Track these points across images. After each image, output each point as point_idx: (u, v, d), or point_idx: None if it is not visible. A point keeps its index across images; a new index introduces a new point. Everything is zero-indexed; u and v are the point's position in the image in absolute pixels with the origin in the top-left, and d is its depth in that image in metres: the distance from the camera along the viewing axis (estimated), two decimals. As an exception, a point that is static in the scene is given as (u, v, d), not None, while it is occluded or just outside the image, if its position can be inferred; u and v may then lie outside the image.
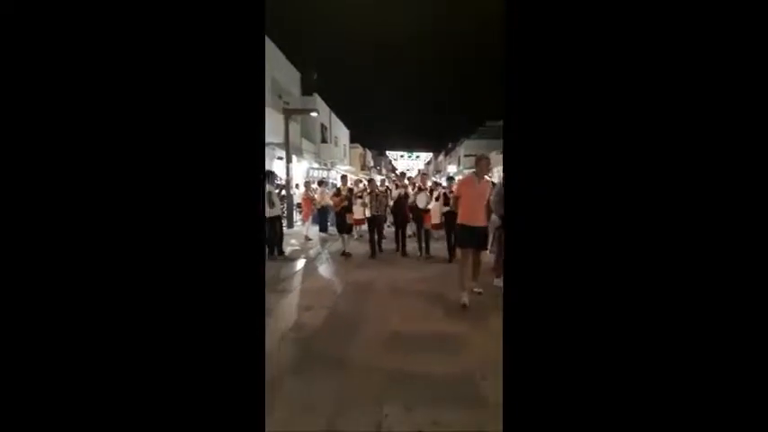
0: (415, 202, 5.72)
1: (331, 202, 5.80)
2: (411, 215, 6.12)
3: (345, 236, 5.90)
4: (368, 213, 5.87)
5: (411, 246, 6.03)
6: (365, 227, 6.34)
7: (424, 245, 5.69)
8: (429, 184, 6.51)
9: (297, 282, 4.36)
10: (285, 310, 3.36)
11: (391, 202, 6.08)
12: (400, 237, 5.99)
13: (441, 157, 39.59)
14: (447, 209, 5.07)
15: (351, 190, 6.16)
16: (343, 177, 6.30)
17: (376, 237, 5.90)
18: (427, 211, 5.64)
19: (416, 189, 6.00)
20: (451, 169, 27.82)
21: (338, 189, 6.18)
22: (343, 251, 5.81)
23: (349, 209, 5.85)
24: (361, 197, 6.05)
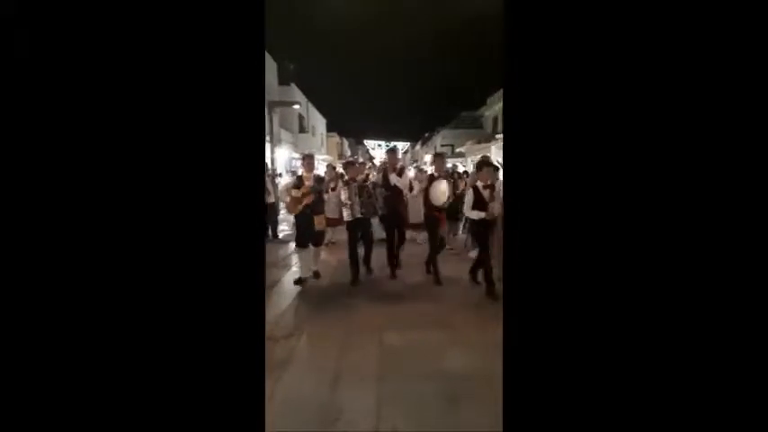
0: (427, 196, 3.80)
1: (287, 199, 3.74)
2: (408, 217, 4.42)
3: (306, 250, 3.84)
4: (346, 215, 3.73)
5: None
6: (330, 234, 4.62)
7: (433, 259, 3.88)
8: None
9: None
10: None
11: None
12: (394, 248, 4.03)
13: (417, 147, 40.02)
14: (483, 215, 3.33)
15: (320, 179, 4.06)
16: (308, 158, 3.99)
17: (361, 251, 3.89)
18: (443, 210, 3.85)
19: (429, 177, 4.03)
20: (428, 159, 28.34)
21: (299, 178, 3.83)
22: (299, 278, 3.82)
23: (318, 208, 3.79)
24: (335, 188, 4.08)
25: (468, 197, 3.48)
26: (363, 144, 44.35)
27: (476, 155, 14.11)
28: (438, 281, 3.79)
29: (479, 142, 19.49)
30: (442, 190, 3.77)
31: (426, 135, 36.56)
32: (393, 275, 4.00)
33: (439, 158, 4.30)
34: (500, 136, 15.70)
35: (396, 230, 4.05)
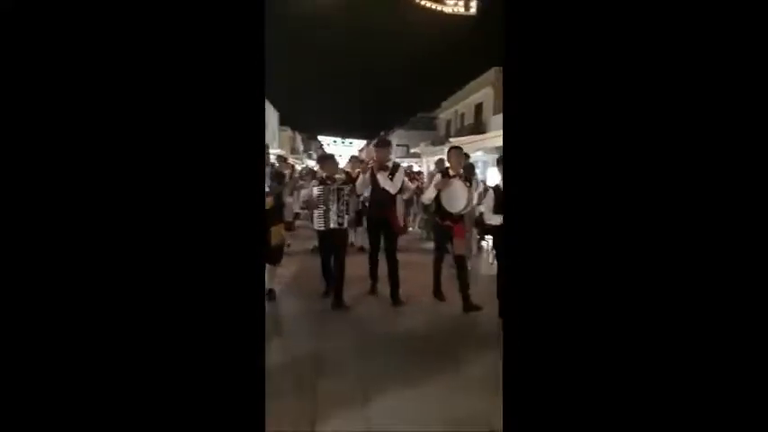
0: (438, 201, 3.05)
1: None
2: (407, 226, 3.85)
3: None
4: (317, 223, 3.03)
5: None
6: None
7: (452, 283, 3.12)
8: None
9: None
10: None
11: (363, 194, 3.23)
12: (377, 266, 3.31)
13: (372, 145, 39.98)
14: (497, 221, 2.80)
15: (279, 175, 3.34)
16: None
17: (332, 266, 3.13)
18: (460, 219, 3.02)
19: (438, 174, 3.22)
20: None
21: None
22: (267, 290, 3.05)
23: (276, 217, 3.02)
24: (299, 186, 3.51)
25: (489, 198, 2.87)
26: (317, 139, 43.41)
27: (431, 156, 14.35)
28: (470, 305, 2.90)
29: (434, 144, 19.91)
30: (458, 193, 2.96)
31: (382, 134, 36.79)
32: (373, 291, 3.26)
33: (456, 152, 3.19)
34: (454, 140, 16.13)
35: (386, 244, 3.15)
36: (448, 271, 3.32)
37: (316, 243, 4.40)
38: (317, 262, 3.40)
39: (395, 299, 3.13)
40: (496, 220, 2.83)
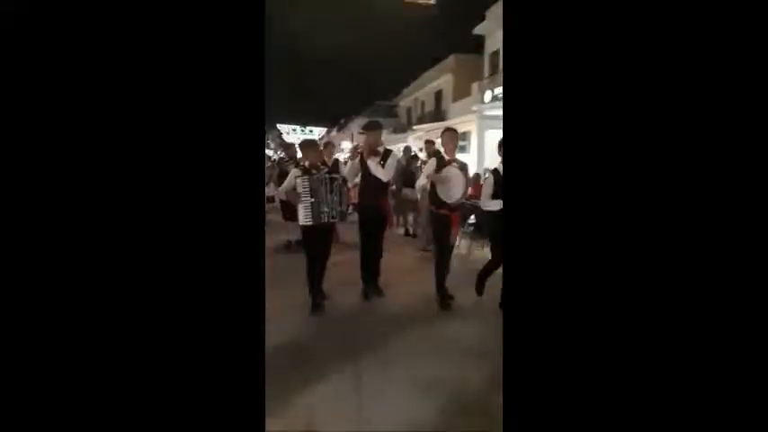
0: (428, 188, 2.84)
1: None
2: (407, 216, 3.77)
3: None
4: (304, 217, 2.60)
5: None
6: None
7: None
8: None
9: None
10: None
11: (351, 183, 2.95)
12: (372, 260, 3.01)
13: (333, 132, 39.40)
14: (498, 206, 2.59)
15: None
16: None
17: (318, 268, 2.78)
18: (456, 207, 2.80)
19: (437, 162, 2.81)
20: (346, 145, 28.14)
21: None
22: None
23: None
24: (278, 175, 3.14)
25: (488, 184, 2.65)
26: (276, 128, 41.85)
27: (395, 144, 14.46)
28: (444, 303, 2.80)
29: (395, 132, 20.00)
30: (456, 181, 2.71)
31: (342, 121, 36.14)
32: (366, 298, 2.95)
33: (450, 135, 2.83)
34: (417, 127, 16.30)
35: (375, 234, 2.91)
36: (421, 255, 3.43)
37: (289, 238, 4.14)
38: (288, 260, 3.17)
39: (376, 288, 3.06)
40: (494, 205, 2.62)
